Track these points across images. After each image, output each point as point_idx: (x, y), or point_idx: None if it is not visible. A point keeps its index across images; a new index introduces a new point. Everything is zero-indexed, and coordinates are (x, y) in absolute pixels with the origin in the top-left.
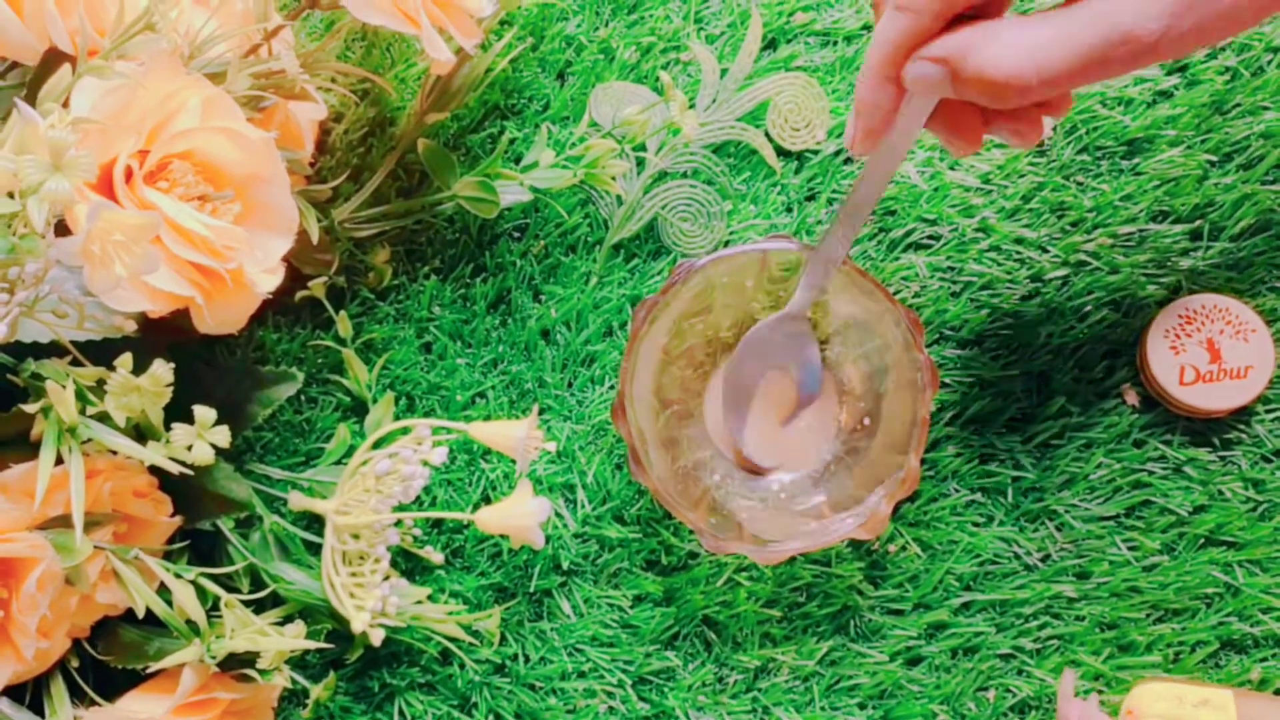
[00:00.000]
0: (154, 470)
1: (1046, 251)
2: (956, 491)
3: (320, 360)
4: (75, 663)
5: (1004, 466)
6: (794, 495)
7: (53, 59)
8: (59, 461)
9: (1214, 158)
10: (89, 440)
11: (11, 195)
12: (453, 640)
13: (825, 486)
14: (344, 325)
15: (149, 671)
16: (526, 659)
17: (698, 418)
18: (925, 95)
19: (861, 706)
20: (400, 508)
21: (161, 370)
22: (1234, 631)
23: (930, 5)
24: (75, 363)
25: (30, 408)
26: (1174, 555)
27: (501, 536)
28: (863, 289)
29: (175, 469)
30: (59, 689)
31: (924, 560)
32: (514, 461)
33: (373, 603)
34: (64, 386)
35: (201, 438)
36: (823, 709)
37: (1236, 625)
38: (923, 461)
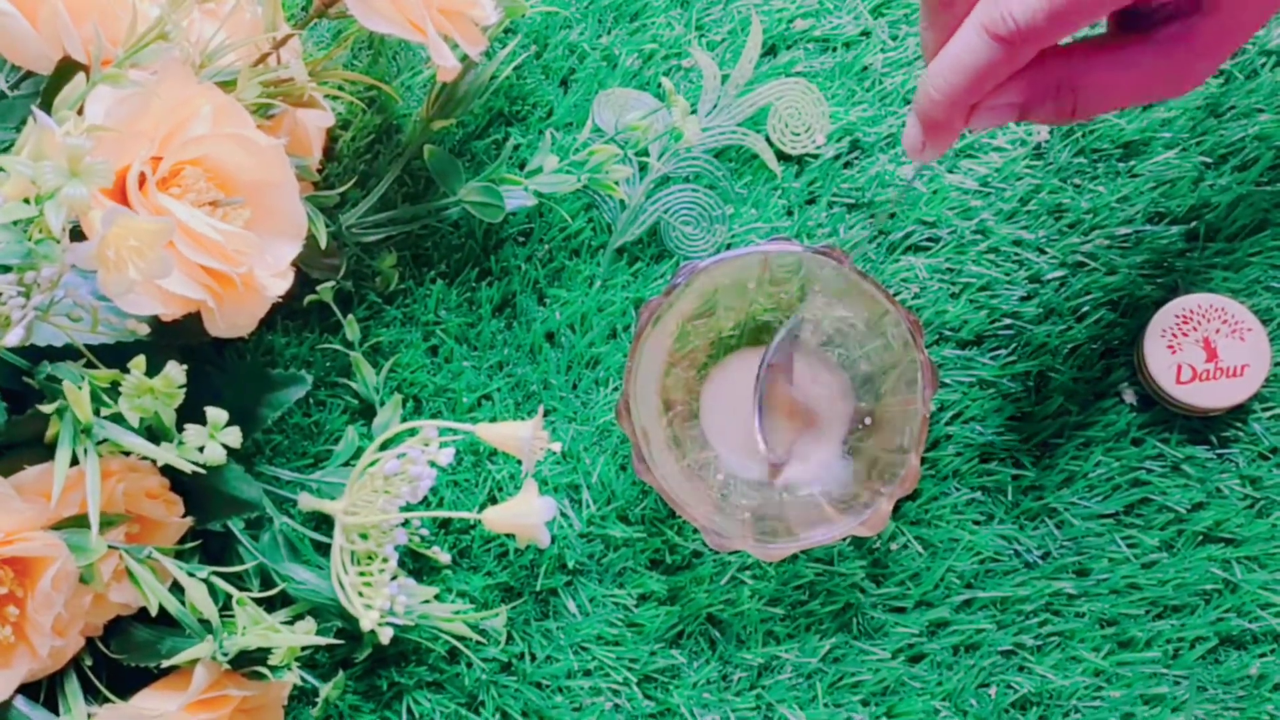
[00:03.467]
0: (165, 471)
1: (1044, 253)
2: (957, 490)
3: (328, 364)
4: (89, 661)
5: (1004, 465)
6: (796, 494)
7: (67, 68)
8: (74, 462)
9: (1209, 159)
10: (103, 441)
11: (28, 201)
12: (460, 639)
13: (827, 486)
14: (351, 329)
15: (161, 670)
16: (533, 657)
17: (700, 418)
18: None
19: (865, 703)
20: (408, 508)
21: (174, 372)
22: (1233, 627)
23: (1030, 40)
24: (89, 365)
25: (46, 408)
26: (1173, 552)
27: (508, 536)
28: (863, 290)
29: (188, 468)
30: (73, 687)
31: (925, 558)
32: (520, 462)
33: (381, 602)
34: (79, 387)
35: (213, 438)
36: (826, 706)
37: (1235, 621)
38: (923, 460)
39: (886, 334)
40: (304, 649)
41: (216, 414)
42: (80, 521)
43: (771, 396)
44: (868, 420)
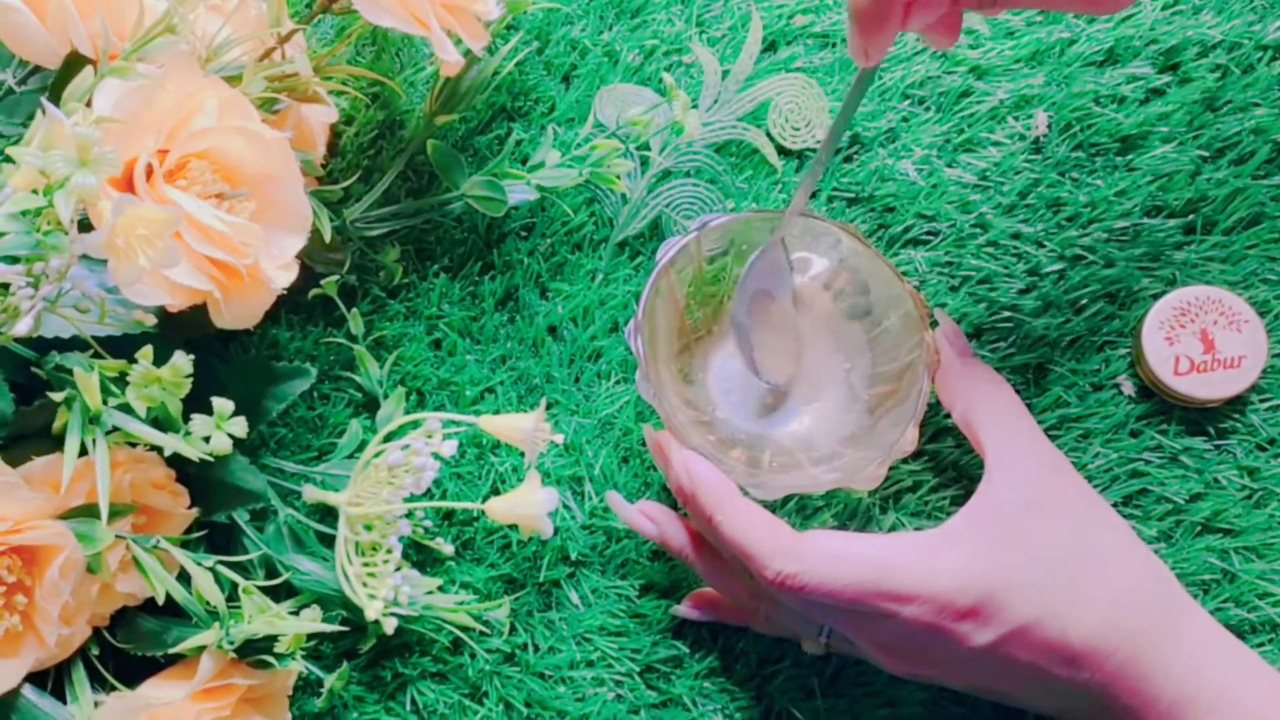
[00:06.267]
0: (171, 463)
1: (1043, 246)
2: (957, 482)
3: (332, 357)
4: (96, 650)
5: None
6: (788, 462)
7: (74, 62)
8: (82, 452)
9: (1206, 153)
10: (113, 430)
11: (36, 192)
12: (463, 630)
13: (821, 458)
14: (355, 323)
15: (168, 659)
16: (536, 648)
17: (700, 384)
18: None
19: (867, 694)
20: (411, 499)
21: (181, 361)
22: (1231, 617)
23: None
24: (97, 356)
25: (56, 396)
26: (1171, 543)
27: (511, 527)
28: (879, 267)
29: (196, 455)
30: (80, 675)
31: None
32: (523, 454)
33: (385, 592)
34: (89, 373)
35: (219, 428)
36: (826, 696)
37: (1234, 611)
38: (923, 453)
39: (899, 309)
40: (308, 640)
41: (222, 404)
42: (88, 511)
43: (765, 319)
44: (866, 397)
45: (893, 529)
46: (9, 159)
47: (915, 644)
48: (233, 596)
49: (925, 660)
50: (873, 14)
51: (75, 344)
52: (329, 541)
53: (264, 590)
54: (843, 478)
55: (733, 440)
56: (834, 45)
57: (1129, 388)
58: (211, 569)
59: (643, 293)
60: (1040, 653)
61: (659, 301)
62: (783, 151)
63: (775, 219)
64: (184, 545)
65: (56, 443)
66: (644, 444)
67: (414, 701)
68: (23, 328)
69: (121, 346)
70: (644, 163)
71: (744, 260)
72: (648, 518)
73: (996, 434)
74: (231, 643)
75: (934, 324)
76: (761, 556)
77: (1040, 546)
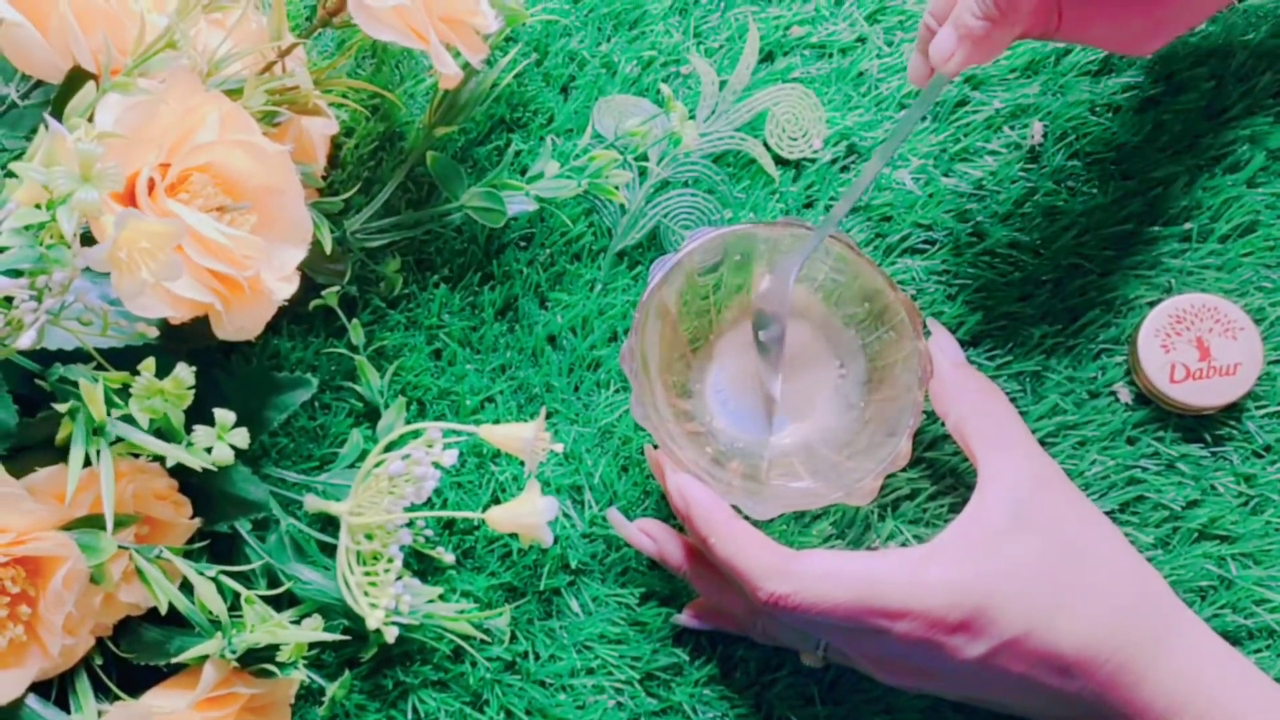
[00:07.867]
0: (174, 473)
1: (1039, 255)
2: (955, 490)
3: (333, 368)
4: (99, 660)
5: None
6: (784, 473)
7: (76, 77)
8: (85, 463)
9: (1201, 162)
10: (117, 441)
11: (39, 206)
12: (464, 638)
13: (817, 468)
14: (356, 333)
15: (170, 668)
16: (536, 656)
17: (697, 395)
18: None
19: (866, 701)
20: (412, 509)
21: (184, 373)
22: (1228, 624)
23: None
24: (99, 368)
25: (61, 407)
26: (1168, 549)
27: (511, 536)
28: (871, 276)
29: (198, 465)
30: (84, 685)
31: None
32: (523, 464)
33: (386, 601)
34: (94, 384)
35: (221, 439)
36: (826, 704)
37: (1231, 618)
38: (920, 461)
39: (891, 320)
40: (310, 648)
41: (224, 415)
42: (91, 522)
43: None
44: (862, 404)
45: (890, 537)
46: (12, 174)
47: (909, 658)
48: (235, 606)
49: (920, 673)
50: (992, 47)
51: (78, 356)
52: (330, 551)
53: (266, 599)
54: (838, 493)
55: (730, 451)
56: (830, 56)
57: (1125, 395)
58: (214, 579)
59: (635, 314)
60: (1032, 663)
61: (651, 321)
62: (780, 161)
63: (768, 230)
64: (186, 555)
65: (59, 454)
66: (643, 453)
67: (415, 710)
68: (26, 340)
69: (124, 358)
70: (642, 173)
71: (739, 272)
72: (647, 535)
73: (988, 444)
74: (234, 652)
75: (928, 333)
76: (754, 578)
77: (1030, 558)
